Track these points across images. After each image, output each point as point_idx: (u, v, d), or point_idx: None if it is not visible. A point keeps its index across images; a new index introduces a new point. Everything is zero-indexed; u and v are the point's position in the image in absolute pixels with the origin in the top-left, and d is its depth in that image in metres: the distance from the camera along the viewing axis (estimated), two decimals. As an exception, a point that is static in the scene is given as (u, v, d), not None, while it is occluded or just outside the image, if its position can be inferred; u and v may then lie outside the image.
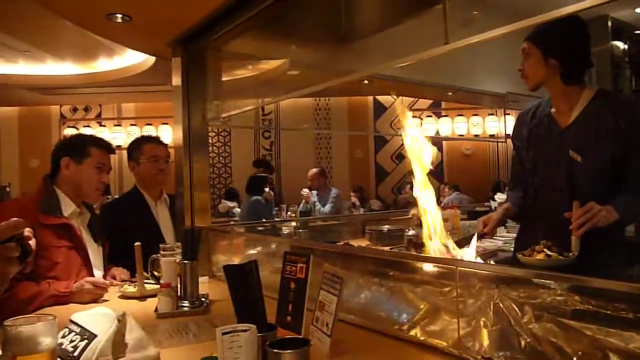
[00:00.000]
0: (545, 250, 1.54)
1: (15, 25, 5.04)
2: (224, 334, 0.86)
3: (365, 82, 5.24)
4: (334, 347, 1.23)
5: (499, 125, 7.86)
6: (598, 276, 1.03)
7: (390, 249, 2.62)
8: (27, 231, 0.90)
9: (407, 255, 1.78)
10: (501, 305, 1.16)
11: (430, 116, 8.12)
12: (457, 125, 8.06)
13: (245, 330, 0.85)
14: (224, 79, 2.89)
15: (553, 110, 1.83)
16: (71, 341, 1.12)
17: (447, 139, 8.07)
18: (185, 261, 1.80)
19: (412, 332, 1.34)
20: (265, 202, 5.19)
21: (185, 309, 1.75)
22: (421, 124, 8.07)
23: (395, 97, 2.27)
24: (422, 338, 1.31)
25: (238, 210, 6.37)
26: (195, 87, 2.64)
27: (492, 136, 8.09)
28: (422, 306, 1.34)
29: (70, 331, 1.14)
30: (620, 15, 4.86)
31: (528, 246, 1.66)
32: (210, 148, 7.91)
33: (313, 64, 3.62)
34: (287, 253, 1.40)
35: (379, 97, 8.37)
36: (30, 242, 0.90)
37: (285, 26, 3.02)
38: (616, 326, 0.97)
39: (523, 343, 1.10)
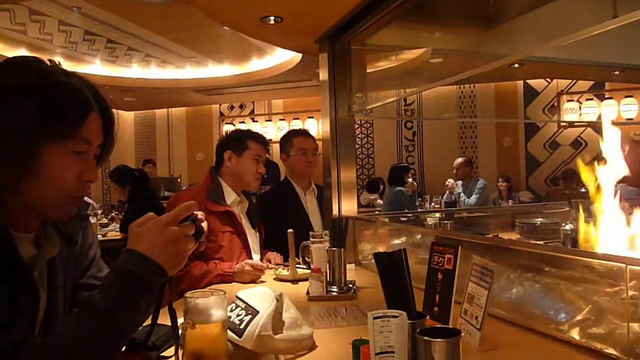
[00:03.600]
0: None
1: (183, 34, 5.70)
2: (375, 318, 0.89)
3: (515, 65, 4.91)
4: (484, 341, 1.20)
5: (679, 105, 6.79)
6: None
7: (545, 243, 2.44)
8: (200, 214, 1.02)
9: (563, 249, 1.65)
10: (681, 310, 1.03)
11: (592, 99, 7.31)
12: (625, 108, 7.14)
13: (395, 316, 0.88)
14: (367, 71, 2.95)
15: None
16: (237, 315, 1.26)
17: (612, 123, 7.22)
18: (334, 248, 1.89)
19: (572, 333, 1.25)
20: (408, 192, 5.17)
21: (334, 293, 1.84)
22: (580, 107, 7.32)
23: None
24: (583, 340, 1.22)
25: (380, 202, 6.44)
26: (340, 81, 2.73)
27: (670, 119, 7.03)
28: (583, 306, 1.24)
29: (237, 306, 1.27)
30: None
31: None
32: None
33: (457, 50, 3.49)
34: (434, 243, 1.39)
35: (529, 81, 7.76)
36: (202, 223, 1.02)
37: (428, 13, 2.97)
38: None
39: None
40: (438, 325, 0.94)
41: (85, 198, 1.34)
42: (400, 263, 0.97)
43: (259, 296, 1.25)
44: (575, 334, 1.24)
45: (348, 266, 2.01)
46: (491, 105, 8.05)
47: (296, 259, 2.11)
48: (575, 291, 1.28)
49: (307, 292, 1.84)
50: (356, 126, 8.37)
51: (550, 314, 1.32)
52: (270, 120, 8.98)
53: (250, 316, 1.22)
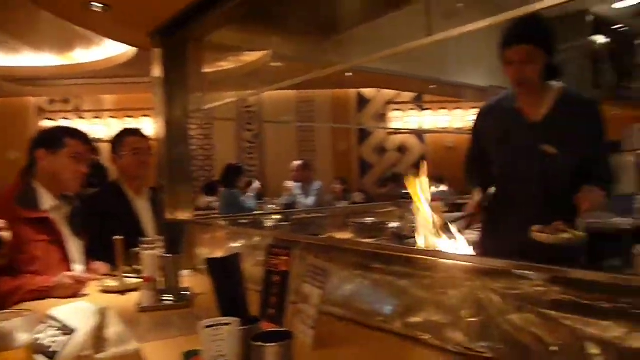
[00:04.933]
0: (568, 230, 1.62)
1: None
2: (206, 327, 0.85)
3: (349, 74, 5.23)
4: (318, 340, 1.23)
5: (481, 118, 7.91)
6: (577, 267, 1.05)
7: (374, 241, 2.63)
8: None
9: (389, 247, 1.78)
10: (482, 296, 1.17)
11: (414, 109, 8.15)
12: (440, 119, 8.11)
13: (228, 324, 0.85)
14: (206, 70, 2.86)
15: (519, 105, 1.87)
16: (50, 336, 1.10)
17: (430, 132, 8.12)
18: (167, 254, 1.78)
19: (395, 324, 1.35)
20: (243, 193, 5.16)
21: (168, 302, 1.74)
22: (404, 117, 8.11)
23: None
24: (404, 330, 1.32)
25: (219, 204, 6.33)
26: (176, 79, 2.60)
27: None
28: (405, 298, 1.35)
29: (50, 326, 1.12)
30: (600, 11, 4.94)
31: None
32: (192, 141, 7.84)
33: (296, 55, 3.60)
34: (271, 246, 1.39)
35: (362, 90, 8.37)
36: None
37: (268, 17, 2.99)
38: (594, 316, 0.99)
39: (504, 334, 1.11)
40: (272, 329, 0.94)
41: None
42: (234, 268, 0.94)
43: (76, 313, 1.12)
44: (398, 325, 1.34)
45: (184, 272, 1.93)
46: (328, 111, 8.49)
47: (125, 267, 1.95)
48: (399, 285, 1.38)
49: (138, 304, 1.71)
50: (195, 127, 8.12)
51: (377, 308, 1.41)
52: (99, 118, 8.24)
53: (66, 336, 1.08)
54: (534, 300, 1.08)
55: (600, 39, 5.02)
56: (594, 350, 0.97)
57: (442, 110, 8.12)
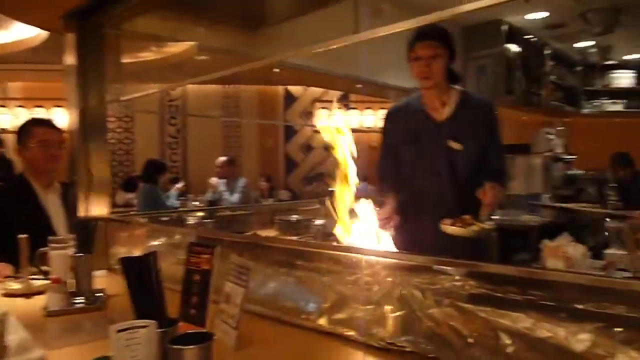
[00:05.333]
0: (475, 222, 1.74)
1: None
2: (119, 331, 0.79)
3: (276, 70, 5.19)
4: (241, 340, 1.20)
5: (404, 119, 8.17)
6: (490, 261, 1.10)
7: (299, 238, 2.62)
8: None
9: (313, 244, 1.79)
10: (405, 291, 1.19)
11: (340, 108, 8.26)
12: (366, 118, 8.27)
13: (143, 327, 0.80)
14: (125, 60, 2.72)
15: (426, 106, 2.03)
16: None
17: (355, 131, 8.26)
18: (79, 254, 1.66)
19: (320, 321, 1.34)
20: (165, 190, 4.97)
21: (79, 305, 1.62)
22: (330, 115, 8.20)
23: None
24: (329, 327, 1.32)
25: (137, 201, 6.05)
26: (92, 67, 2.44)
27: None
28: (329, 295, 1.35)
29: (-62, 335, 1.01)
30: (513, 20, 5.26)
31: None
32: (111, 134, 7.44)
33: (223, 48, 3.51)
34: (192, 244, 1.34)
35: (289, 87, 8.35)
36: None
37: (193, 7, 2.90)
38: (507, 308, 1.04)
39: (424, 327, 1.14)
40: (191, 331, 0.89)
41: None
42: (149, 267, 0.88)
43: (-29, 319, 1.01)
44: (323, 322, 1.34)
45: (98, 273, 1.83)
46: (254, 107, 8.39)
47: (31, 268, 1.80)
48: (323, 282, 1.38)
49: (45, 307, 1.58)
50: (114, 120, 7.71)
51: (302, 305, 1.40)
52: (4, 107, 7.60)
53: (-43, 346, 0.98)
54: (452, 294, 1.12)
55: (514, 48, 5.35)
56: (506, 340, 1.02)
57: (368, 110, 8.29)
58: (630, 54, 6.90)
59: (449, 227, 1.75)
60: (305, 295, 1.41)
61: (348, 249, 1.34)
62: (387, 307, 1.22)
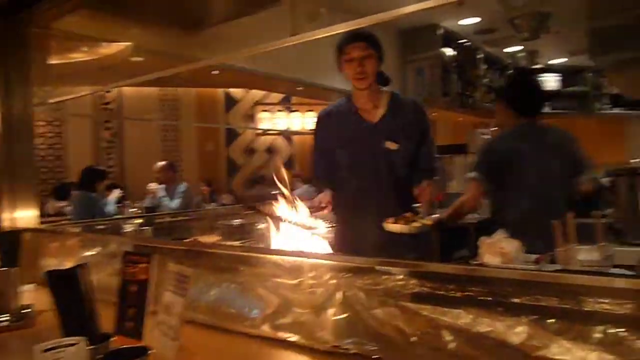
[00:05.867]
0: (416, 219, 1.78)
1: None
2: (45, 351, 0.74)
3: (215, 72, 5.09)
4: (181, 352, 1.15)
5: (346, 121, 8.25)
6: (431, 258, 1.12)
7: (242, 243, 2.58)
8: None
9: (256, 249, 1.76)
10: (348, 293, 1.19)
11: (282, 110, 8.23)
12: (308, 120, 8.29)
13: (71, 344, 0.74)
14: (55, 61, 2.57)
15: (358, 109, 2.06)
16: None
17: (297, 133, 8.25)
18: (2, 268, 1.55)
19: (263, 327, 1.32)
20: (102, 197, 4.74)
21: (4, 323, 1.51)
22: (272, 118, 8.16)
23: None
24: (273, 333, 1.30)
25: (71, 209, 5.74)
26: (16, 68, 2.29)
27: (339, 131, 8.45)
28: (273, 300, 1.33)
29: None
30: (448, 25, 5.45)
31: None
32: (40, 140, 7.04)
33: (159, 50, 3.40)
34: (128, 253, 1.28)
35: (229, 90, 8.23)
36: None
37: (127, 7, 2.79)
38: (448, 305, 1.06)
39: (369, 328, 1.15)
40: (125, 346, 0.84)
41: None
42: (77, 280, 0.83)
43: None
44: (266, 328, 1.32)
45: (26, 287, 1.72)
46: (194, 110, 8.20)
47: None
48: (266, 287, 1.36)
49: (-36, 327, 1.46)
50: (44, 124, 7.30)
51: (245, 312, 1.37)
52: None
53: None
54: (395, 294, 1.13)
55: (449, 52, 5.54)
56: (448, 337, 1.04)
57: (310, 113, 8.31)
58: (556, 58, 7.34)
59: (392, 225, 1.78)
60: (248, 302, 1.38)
61: (290, 253, 1.32)
62: (331, 310, 1.21)
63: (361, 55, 1.95)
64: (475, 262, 1.78)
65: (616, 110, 7.78)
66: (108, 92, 7.50)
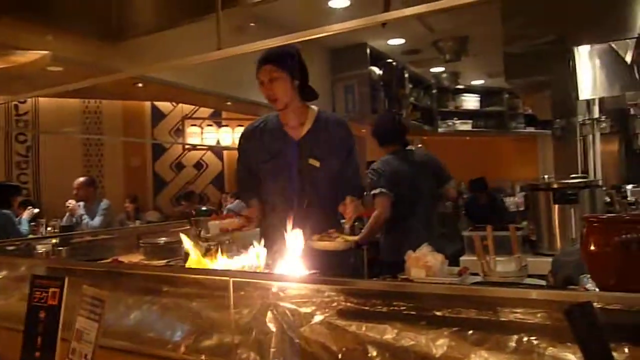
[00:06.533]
0: (341, 235, 1.82)
1: None
2: None
3: (140, 85, 4.92)
4: (95, 381, 1.08)
5: (277, 136, 8.26)
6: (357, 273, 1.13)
7: (167, 262, 2.48)
8: None
9: (179, 269, 1.70)
10: (276, 312, 1.17)
11: (211, 125, 8.09)
12: (237, 136, 8.20)
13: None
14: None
15: (284, 125, 2.09)
16: None
17: (227, 148, 8.13)
18: None
19: (185, 351, 1.26)
20: (21, 217, 4.43)
21: None
22: (202, 132, 8.00)
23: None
24: (196, 356, 1.25)
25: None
26: None
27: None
28: (197, 321, 1.28)
29: None
30: (377, 45, 5.63)
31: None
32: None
33: (79, 60, 3.25)
34: (35, 277, 1.18)
35: (157, 103, 7.98)
36: None
37: (42, 15, 2.65)
38: (374, 320, 1.06)
39: (296, 347, 1.13)
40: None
41: None
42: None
43: None
44: (189, 351, 1.26)
45: None
46: (119, 124, 7.86)
47: None
48: (190, 308, 1.31)
49: None
50: (-53, 136, 6.72)
51: (167, 335, 1.31)
52: None
53: None
54: (323, 311, 1.12)
55: (377, 70, 5.71)
56: (374, 352, 1.04)
57: (240, 128, 8.23)
58: (475, 79, 7.79)
59: (317, 243, 1.79)
60: (171, 324, 1.32)
61: (213, 272, 1.28)
62: (258, 329, 1.18)
63: (268, 79, 1.96)
64: (402, 277, 1.82)
65: (530, 130, 8.36)
66: (22, 102, 7.05)
